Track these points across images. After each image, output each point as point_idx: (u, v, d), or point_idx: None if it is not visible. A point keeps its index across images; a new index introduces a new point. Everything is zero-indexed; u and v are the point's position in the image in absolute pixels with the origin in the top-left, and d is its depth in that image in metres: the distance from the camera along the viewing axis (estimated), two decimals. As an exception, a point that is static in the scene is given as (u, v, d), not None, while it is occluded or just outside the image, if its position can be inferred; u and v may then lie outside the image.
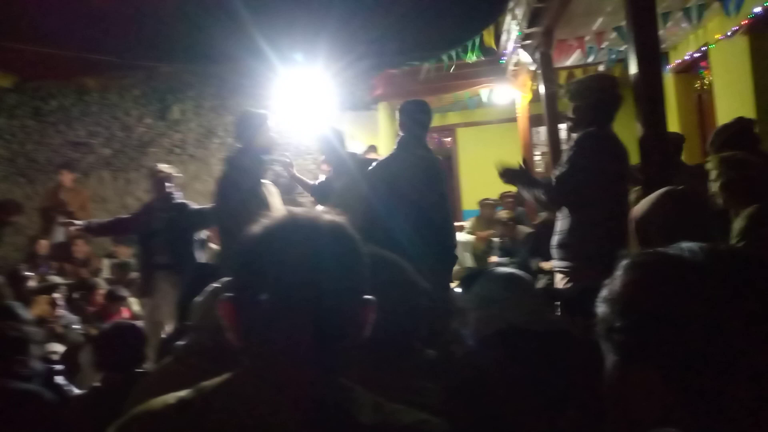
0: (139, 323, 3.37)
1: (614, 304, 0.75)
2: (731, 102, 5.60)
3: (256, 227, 0.88)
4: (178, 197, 4.54)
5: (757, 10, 5.14)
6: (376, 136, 7.84)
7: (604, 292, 0.77)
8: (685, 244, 0.75)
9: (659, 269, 0.74)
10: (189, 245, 4.30)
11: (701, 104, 6.89)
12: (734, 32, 5.50)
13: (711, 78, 6.35)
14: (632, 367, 0.73)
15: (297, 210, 0.89)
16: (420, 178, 3.58)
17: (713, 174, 3.15)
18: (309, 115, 7.03)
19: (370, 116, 7.26)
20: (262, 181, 3.67)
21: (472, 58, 6.57)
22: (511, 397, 1.43)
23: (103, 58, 6.53)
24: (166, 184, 4.50)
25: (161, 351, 2.45)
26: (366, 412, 0.84)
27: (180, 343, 1.72)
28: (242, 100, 7.32)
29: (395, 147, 3.73)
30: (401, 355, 1.35)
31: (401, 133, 3.70)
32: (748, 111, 4.91)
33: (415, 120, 3.67)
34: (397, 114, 3.74)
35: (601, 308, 0.76)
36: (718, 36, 5.76)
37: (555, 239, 3.08)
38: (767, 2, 5.00)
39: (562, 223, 3.06)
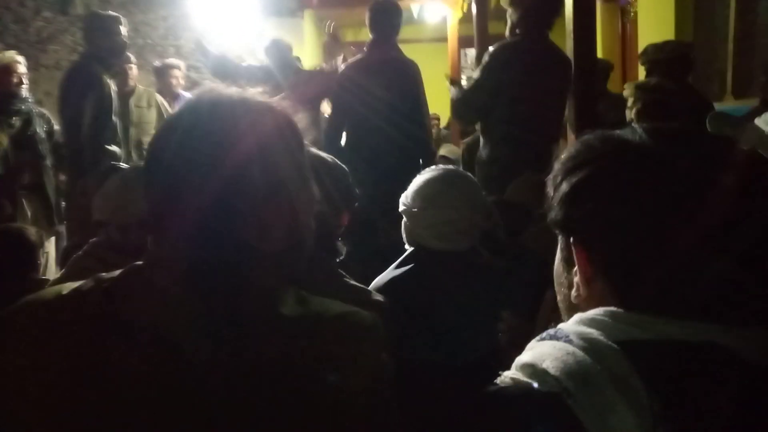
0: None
1: (552, 182, 0.72)
2: (654, 33, 5.70)
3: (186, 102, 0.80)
4: (29, 96, 3.73)
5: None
6: (301, 46, 7.46)
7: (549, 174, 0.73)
8: (637, 126, 0.71)
9: (595, 145, 0.70)
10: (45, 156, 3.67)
11: (625, 34, 7.00)
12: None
13: (636, 8, 6.43)
14: (568, 243, 0.71)
15: (225, 89, 0.79)
16: (393, 79, 3.51)
17: (630, 101, 3.20)
18: (230, 19, 6.60)
19: (296, 24, 6.88)
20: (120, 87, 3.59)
21: None
22: (440, 297, 1.43)
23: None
24: (9, 78, 3.60)
25: (63, 260, 2.30)
26: (289, 304, 0.78)
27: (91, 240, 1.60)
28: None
29: (366, 48, 3.60)
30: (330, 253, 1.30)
31: (372, 35, 3.58)
32: (669, 42, 5.02)
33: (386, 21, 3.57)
34: (367, 14, 3.58)
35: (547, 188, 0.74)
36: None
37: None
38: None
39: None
